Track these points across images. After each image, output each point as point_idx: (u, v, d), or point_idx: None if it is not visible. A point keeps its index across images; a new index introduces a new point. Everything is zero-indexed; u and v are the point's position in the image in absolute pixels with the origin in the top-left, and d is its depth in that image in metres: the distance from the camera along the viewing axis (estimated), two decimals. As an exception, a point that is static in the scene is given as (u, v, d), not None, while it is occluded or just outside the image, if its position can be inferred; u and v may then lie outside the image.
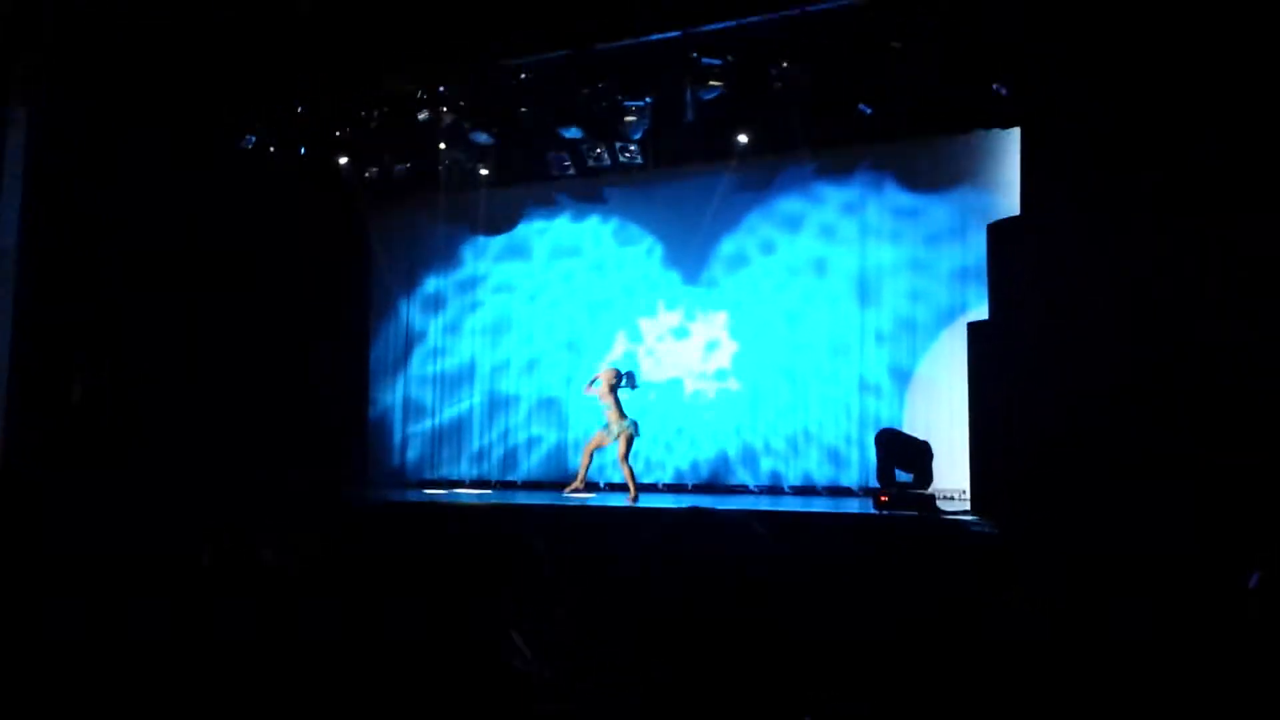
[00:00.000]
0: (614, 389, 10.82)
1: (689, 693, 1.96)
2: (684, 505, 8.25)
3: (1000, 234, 9.07)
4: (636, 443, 10.89)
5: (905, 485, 8.71)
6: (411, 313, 14.38)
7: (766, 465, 12.55)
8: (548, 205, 13.88)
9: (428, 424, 13.99)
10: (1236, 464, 6.49)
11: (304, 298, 13.88)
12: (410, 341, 14.36)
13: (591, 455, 11.01)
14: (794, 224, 12.72)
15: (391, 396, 14.24)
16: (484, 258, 14.16)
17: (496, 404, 13.72)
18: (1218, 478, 6.35)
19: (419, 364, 14.29)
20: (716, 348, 13.04)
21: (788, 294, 12.70)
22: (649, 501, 10.97)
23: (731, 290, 12.99)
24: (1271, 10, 7.64)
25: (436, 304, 14.29)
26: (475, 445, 13.77)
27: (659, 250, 13.39)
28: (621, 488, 13.04)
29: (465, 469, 13.74)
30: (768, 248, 12.83)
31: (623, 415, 10.75)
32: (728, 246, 12.99)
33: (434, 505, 10.02)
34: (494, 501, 10.42)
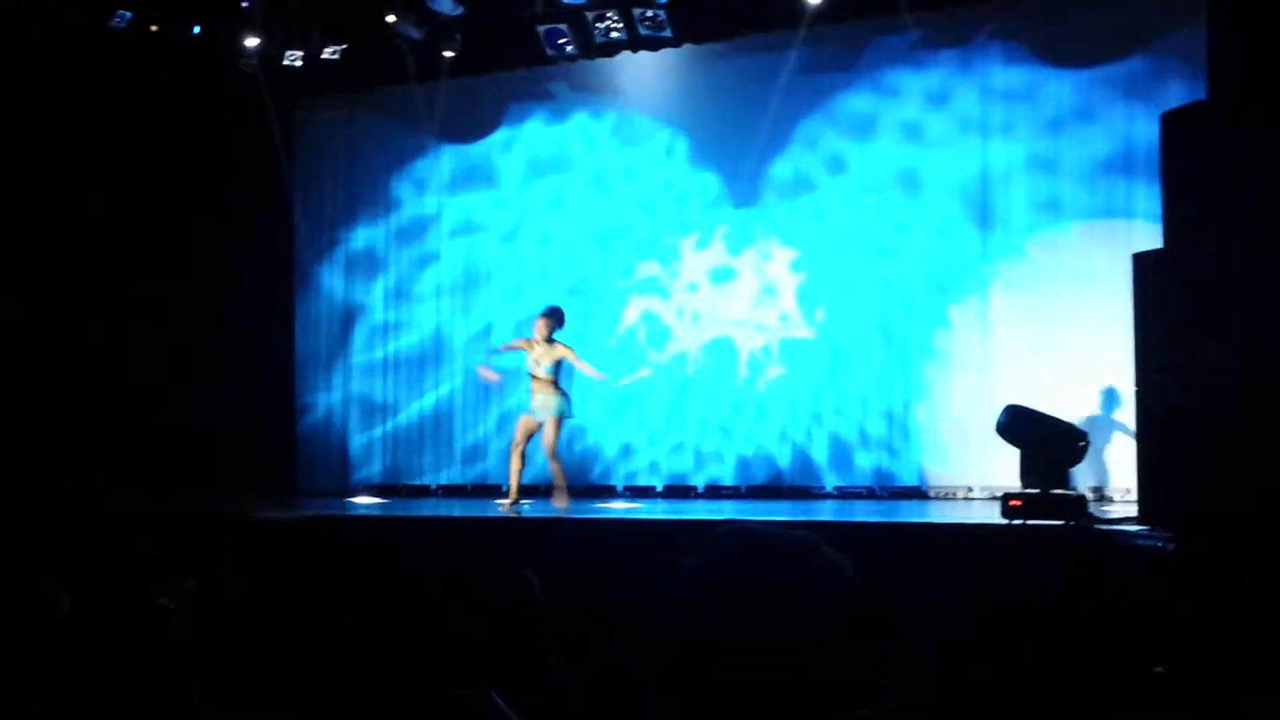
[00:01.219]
0: (552, 339, 10.71)
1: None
2: (724, 520, 8.27)
3: (1179, 125, 8.95)
4: (567, 427, 10.95)
5: (1047, 483, 8.68)
6: (347, 277, 14.32)
7: (857, 460, 12.63)
8: (535, 100, 13.84)
9: (389, 424, 13.99)
10: None
11: (198, 260, 13.85)
12: (349, 316, 14.34)
13: (523, 455, 10.92)
14: (882, 117, 12.71)
15: (329, 395, 14.22)
16: (431, 188, 14.12)
17: (485, 384, 13.74)
18: None
19: (363, 347, 14.27)
20: (773, 295, 13.05)
21: (873, 215, 12.69)
22: (684, 512, 10.98)
23: (793, 212, 12.97)
24: None
25: (376, 261, 14.25)
26: (464, 441, 13.77)
27: (682, 147, 13.39)
28: (647, 493, 13.06)
29: (456, 473, 13.77)
30: (843, 154, 12.82)
31: (560, 389, 10.68)
32: (788, 153, 12.98)
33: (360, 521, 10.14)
34: (459, 515, 10.50)
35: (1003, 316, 12.22)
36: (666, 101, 13.42)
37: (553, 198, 13.82)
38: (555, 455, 10.75)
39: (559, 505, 10.62)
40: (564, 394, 10.79)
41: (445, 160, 14.22)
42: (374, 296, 14.41)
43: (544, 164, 13.85)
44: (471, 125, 14.11)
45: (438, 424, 14.06)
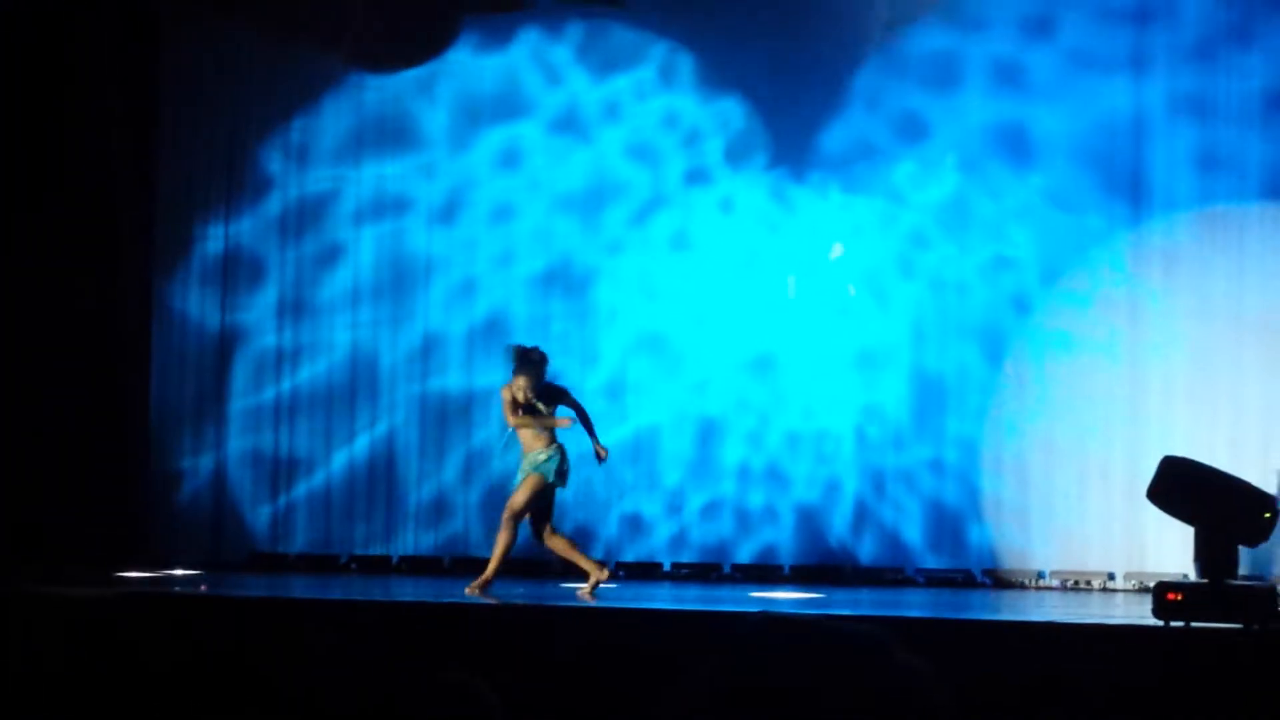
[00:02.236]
0: (535, 392, 10.70)
1: None
2: (759, 611, 8.25)
3: None
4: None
5: (1219, 570, 8.67)
6: (217, 290, 13.92)
7: (952, 530, 12.71)
8: (461, 14, 13.78)
9: (293, 491, 13.76)
10: None
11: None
12: (225, 346, 13.97)
13: (553, 530, 10.93)
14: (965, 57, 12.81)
15: (200, 459, 13.88)
16: (323, 153, 14.02)
17: (427, 420, 13.63)
18: None
19: (246, 386, 13.84)
20: (831, 285, 13.08)
21: (964, 179, 12.80)
22: (704, 600, 10.91)
23: (855, 170, 13.06)
24: None
25: (256, 263, 13.90)
26: (414, 498, 13.53)
27: (686, 67, 13.42)
28: (652, 573, 13.02)
29: (410, 541, 13.59)
30: (916, 109, 12.93)
31: (552, 436, 10.67)
32: (845, 106, 13.06)
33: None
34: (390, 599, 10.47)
35: (1159, 327, 12.28)
36: (655, 3, 13.54)
37: (502, 155, 13.78)
38: (512, 522, 10.75)
39: (471, 590, 10.66)
40: (558, 449, 10.89)
41: (339, 111, 14.08)
42: (257, 313, 14.21)
43: (483, 107, 13.81)
44: (391, 57, 13.98)
45: (375, 479, 13.92)
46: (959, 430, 12.73)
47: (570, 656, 8.24)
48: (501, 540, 10.85)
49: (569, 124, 13.69)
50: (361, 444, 14.02)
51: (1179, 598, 8.40)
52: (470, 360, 13.83)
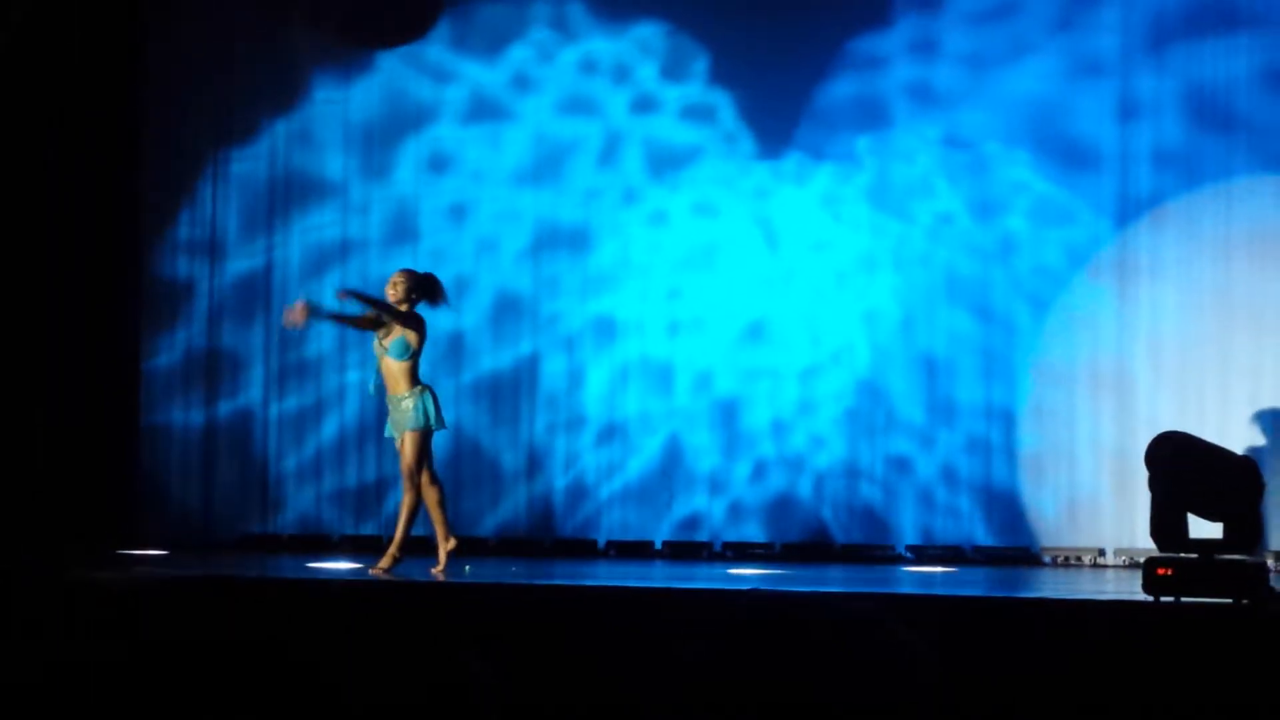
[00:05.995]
0: (407, 314, 10.15)
1: None
2: (749, 589, 8.04)
3: None
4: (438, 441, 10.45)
5: (1211, 546, 8.69)
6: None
7: (940, 506, 12.70)
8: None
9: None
10: None
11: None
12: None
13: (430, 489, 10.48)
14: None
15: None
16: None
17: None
18: None
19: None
20: (841, 264, 13.02)
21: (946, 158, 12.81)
22: (691, 578, 10.89)
23: (828, 121, 13.07)
24: None
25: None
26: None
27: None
28: (635, 551, 13.00)
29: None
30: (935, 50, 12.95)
31: (415, 381, 10.08)
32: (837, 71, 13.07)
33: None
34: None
35: (1152, 296, 12.29)
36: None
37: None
38: (415, 485, 10.31)
39: (376, 570, 10.32)
40: (423, 391, 10.32)
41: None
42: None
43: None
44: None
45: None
46: (949, 393, 12.80)
47: (566, 638, 8.23)
48: (410, 504, 10.28)
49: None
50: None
51: (1169, 573, 8.43)
52: (498, 341, 13.57)
